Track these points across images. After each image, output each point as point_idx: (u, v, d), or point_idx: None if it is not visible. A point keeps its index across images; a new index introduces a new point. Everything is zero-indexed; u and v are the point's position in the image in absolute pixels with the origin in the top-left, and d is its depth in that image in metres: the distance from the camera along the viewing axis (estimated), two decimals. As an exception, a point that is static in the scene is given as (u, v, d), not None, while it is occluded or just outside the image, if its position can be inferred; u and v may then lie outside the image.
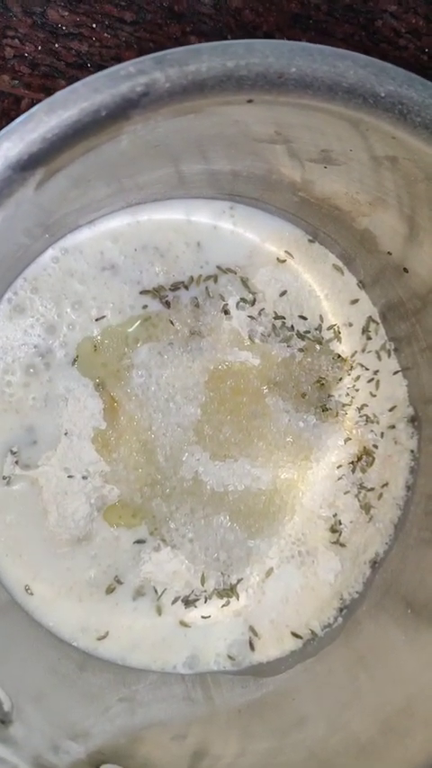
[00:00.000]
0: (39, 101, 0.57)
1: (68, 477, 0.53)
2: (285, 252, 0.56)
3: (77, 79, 0.55)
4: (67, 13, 0.55)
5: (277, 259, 0.56)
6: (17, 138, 0.32)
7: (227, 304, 0.55)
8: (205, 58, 0.33)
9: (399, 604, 0.53)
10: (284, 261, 0.56)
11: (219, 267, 0.55)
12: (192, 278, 0.54)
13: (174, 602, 0.54)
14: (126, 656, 0.52)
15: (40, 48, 0.55)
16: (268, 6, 0.57)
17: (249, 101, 0.35)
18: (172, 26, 0.56)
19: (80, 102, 0.32)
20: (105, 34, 0.56)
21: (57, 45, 0.55)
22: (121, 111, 0.33)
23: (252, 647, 0.55)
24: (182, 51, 0.33)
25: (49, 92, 0.56)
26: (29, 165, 0.32)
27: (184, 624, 0.54)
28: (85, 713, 0.45)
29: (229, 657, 0.55)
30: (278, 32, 0.58)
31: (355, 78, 0.35)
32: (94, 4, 0.55)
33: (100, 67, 0.56)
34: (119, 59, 0.56)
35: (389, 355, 0.58)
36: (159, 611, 0.54)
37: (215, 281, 0.55)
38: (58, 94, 0.33)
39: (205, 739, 0.48)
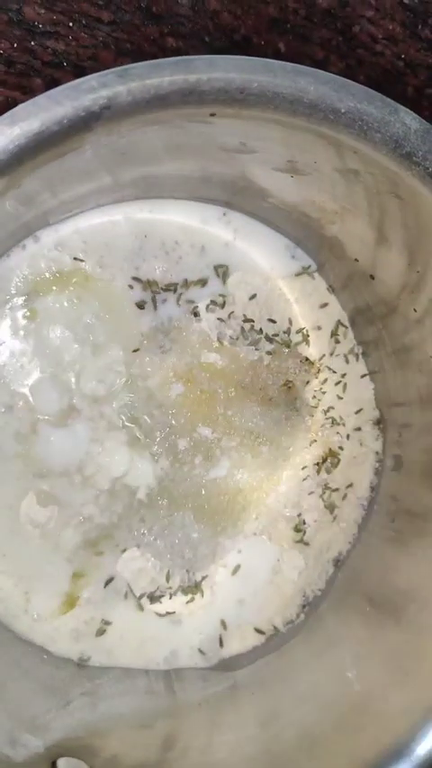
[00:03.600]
0: (14, 99, 0.58)
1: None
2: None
3: (54, 78, 0.56)
4: (43, 11, 0.55)
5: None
6: (-22, 149, 0.32)
7: (197, 306, 0.55)
8: (167, 72, 0.33)
9: (360, 602, 0.54)
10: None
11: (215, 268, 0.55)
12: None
13: (139, 598, 0.55)
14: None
15: (15, 45, 0.55)
16: (246, 9, 0.57)
17: (212, 114, 0.36)
18: (149, 27, 0.56)
19: (41, 114, 0.33)
20: (82, 33, 0.56)
21: (33, 43, 0.55)
22: (83, 124, 0.33)
23: (222, 643, 0.56)
24: (144, 66, 0.33)
25: (25, 90, 0.56)
26: (-10, 175, 0.32)
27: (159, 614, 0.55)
28: (45, 707, 0.46)
29: (201, 652, 0.56)
30: (256, 36, 0.58)
31: (315, 94, 0.36)
32: (72, 2, 0.55)
33: (76, 67, 0.57)
34: (96, 59, 0.56)
35: (357, 359, 0.59)
36: (141, 607, 0.55)
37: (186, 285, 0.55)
38: (21, 106, 0.33)
39: (167, 733, 0.49)
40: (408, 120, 0.37)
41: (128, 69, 0.33)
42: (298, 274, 0.57)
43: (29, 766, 0.37)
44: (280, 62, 0.36)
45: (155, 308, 0.54)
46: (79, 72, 0.57)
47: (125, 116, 0.34)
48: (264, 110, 0.36)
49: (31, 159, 0.33)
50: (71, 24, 0.55)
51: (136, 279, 0.54)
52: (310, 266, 0.57)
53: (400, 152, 0.38)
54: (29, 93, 0.59)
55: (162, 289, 0.54)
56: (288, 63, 0.36)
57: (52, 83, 0.57)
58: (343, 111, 0.36)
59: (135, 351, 0.54)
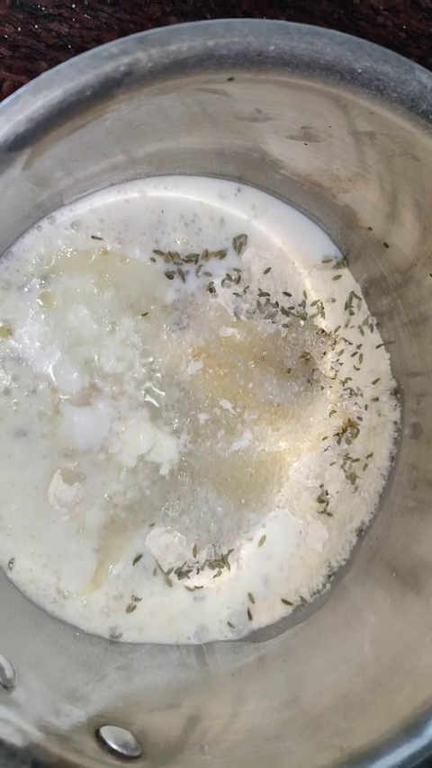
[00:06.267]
0: (20, 83, 0.58)
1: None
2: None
3: (59, 61, 0.56)
4: (46, -6, 0.55)
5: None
6: (4, 120, 0.32)
7: (212, 282, 0.56)
8: (186, 37, 0.33)
9: (384, 570, 0.55)
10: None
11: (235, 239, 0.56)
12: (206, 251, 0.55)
13: (168, 573, 0.56)
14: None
15: (20, 29, 0.55)
16: (247, -15, 0.57)
17: (230, 79, 0.36)
18: (152, 6, 0.56)
19: (65, 83, 0.33)
20: (86, 15, 0.56)
21: (37, 26, 0.55)
22: (105, 91, 0.33)
23: (250, 615, 0.57)
24: (163, 31, 0.34)
25: (30, 74, 0.56)
26: (16, 145, 0.33)
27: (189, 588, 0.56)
28: (83, 680, 0.46)
29: (230, 625, 0.56)
30: (257, 11, 0.59)
31: (332, 55, 0.36)
32: (74, -16, 0.55)
33: (81, 49, 0.57)
34: (100, 41, 0.57)
35: (371, 330, 0.59)
36: (170, 583, 0.56)
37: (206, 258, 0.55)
38: (44, 75, 0.33)
39: (201, 703, 0.49)
40: (424, 78, 0.37)
41: (147, 35, 0.33)
42: (325, 261, 0.57)
43: (73, 734, 0.38)
44: (296, 24, 0.36)
45: (183, 279, 0.54)
46: (84, 54, 0.57)
47: (146, 82, 0.34)
48: (281, 73, 0.36)
49: (56, 128, 0.33)
50: (74, 6, 0.55)
51: (157, 252, 0.54)
52: (335, 257, 0.58)
53: (416, 110, 0.38)
54: (35, 77, 0.59)
55: (184, 260, 0.54)
56: (304, 25, 0.36)
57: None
58: (359, 71, 0.36)
59: (144, 314, 0.54)
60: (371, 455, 0.59)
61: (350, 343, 0.59)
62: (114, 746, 0.39)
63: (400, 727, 0.40)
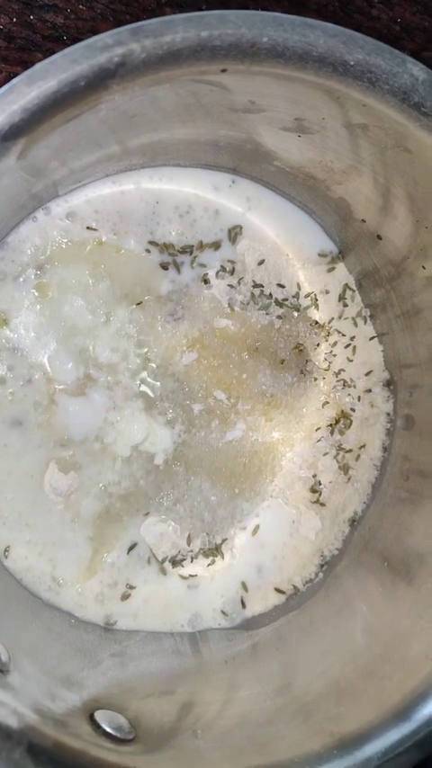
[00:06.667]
0: (15, 74, 0.58)
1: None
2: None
3: (54, 52, 0.56)
4: (41, -16, 0.55)
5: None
6: (-2, 109, 0.33)
7: (207, 273, 0.56)
8: (180, 28, 0.34)
9: (376, 559, 0.55)
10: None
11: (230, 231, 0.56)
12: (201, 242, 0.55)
13: (162, 562, 0.56)
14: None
15: (15, 20, 0.55)
16: (242, -23, 0.57)
17: (223, 70, 0.36)
18: (147, -3, 0.57)
19: (59, 73, 0.33)
20: (81, 6, 0.56)
21: (32, 17, 0.55)
22: (99, 82, 0.34)
23: (243, 603, 0.57)
24: (157, 22, 0.34)
25: (25, 65, 0.56)
26: (10, 135, 0.33)
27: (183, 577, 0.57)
28: (78, 666, 0.47)
29: (223, 613, 0.57)
30: (252, 3, 0.59)
31: (324, 47, 0.36)
32: (69, -26, 0.55)
33: (76, 40, 0.56)
34: (95, 32, 0.57)
35: (365, 322, 0.59)
36: (164, 571, 0.56)
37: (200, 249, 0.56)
38: (38, 66, 0.34)
39: (194, 690, 0.50)
40: (415, 71, 0.38)
41: (141, 26, 0.34)
42: (321, 255, 0.58)
43: (68, 718, 0.39)
44: (289, 16, 0.36)
45: (178, 271, 0.55)
46: (79, 46, 0.57)
47: (139, 73, 0.34)
48: (274, 64, 0.36)
49: (50, 118, 0.33)
50: (69, -3, 0.56)
51: (152, 243, 0.54)
52: (331, 252, 0.58)
53: (408, 103, 0.38)
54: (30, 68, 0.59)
55: (179, 251, 0.55)
56: (297, 17, 0.36)
57: (53, 57, 0.57)
58: (352, 63, 0.37)
59: (138, 304, 0.54)
60: (364, 446, 0.59)
61: (343, 335, 0.59)
62: (108, 730, 0.40)
63: (390, 714, 0.41)
